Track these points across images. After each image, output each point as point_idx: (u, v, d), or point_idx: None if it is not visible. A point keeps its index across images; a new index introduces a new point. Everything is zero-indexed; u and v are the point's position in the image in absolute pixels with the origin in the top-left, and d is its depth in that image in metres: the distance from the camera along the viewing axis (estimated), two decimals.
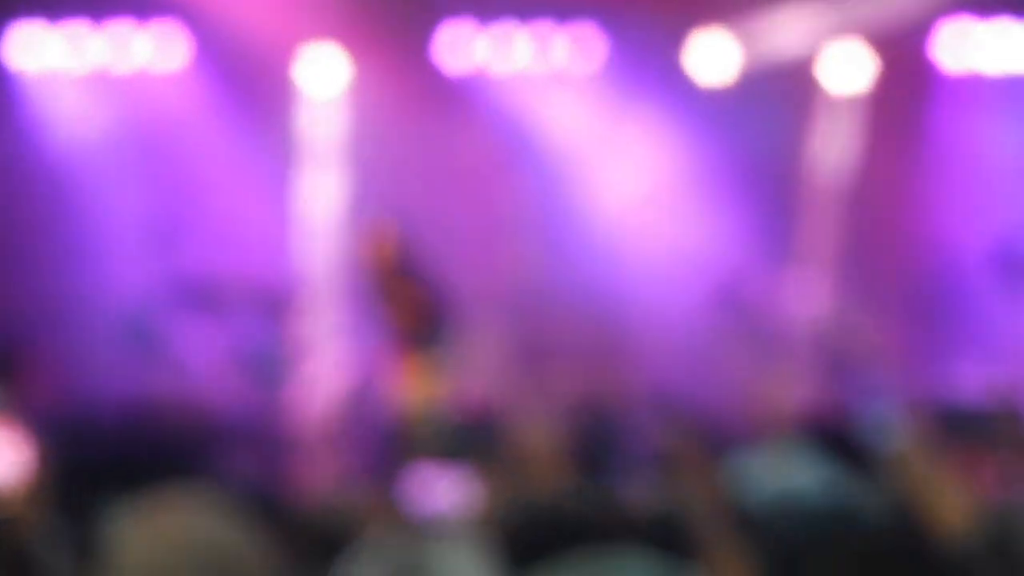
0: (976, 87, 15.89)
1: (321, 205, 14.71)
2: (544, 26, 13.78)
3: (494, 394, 13.98)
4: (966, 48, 15.04)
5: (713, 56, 14.58)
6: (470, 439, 10.40)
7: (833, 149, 16.62)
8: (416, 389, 11.63)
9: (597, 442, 9.96)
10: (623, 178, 15.35)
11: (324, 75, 13.57)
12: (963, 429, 10.19)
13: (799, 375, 14.57)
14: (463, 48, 13.65)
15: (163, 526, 2.15)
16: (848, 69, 15.34)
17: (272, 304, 12.73)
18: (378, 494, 5.52)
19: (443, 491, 4.94)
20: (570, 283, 15.12)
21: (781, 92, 15.86)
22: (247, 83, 14.22)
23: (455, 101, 15.05)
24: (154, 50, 13.14)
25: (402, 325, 11.62)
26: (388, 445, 10.75)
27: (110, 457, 9.85)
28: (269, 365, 13.05)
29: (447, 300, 11.77)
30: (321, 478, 12.14)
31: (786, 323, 15.03)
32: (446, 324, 11.64)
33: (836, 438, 6.35)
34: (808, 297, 15.06)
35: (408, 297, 11.35)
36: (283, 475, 11.93)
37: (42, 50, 13.01)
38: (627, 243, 15.17)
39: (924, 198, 16.19)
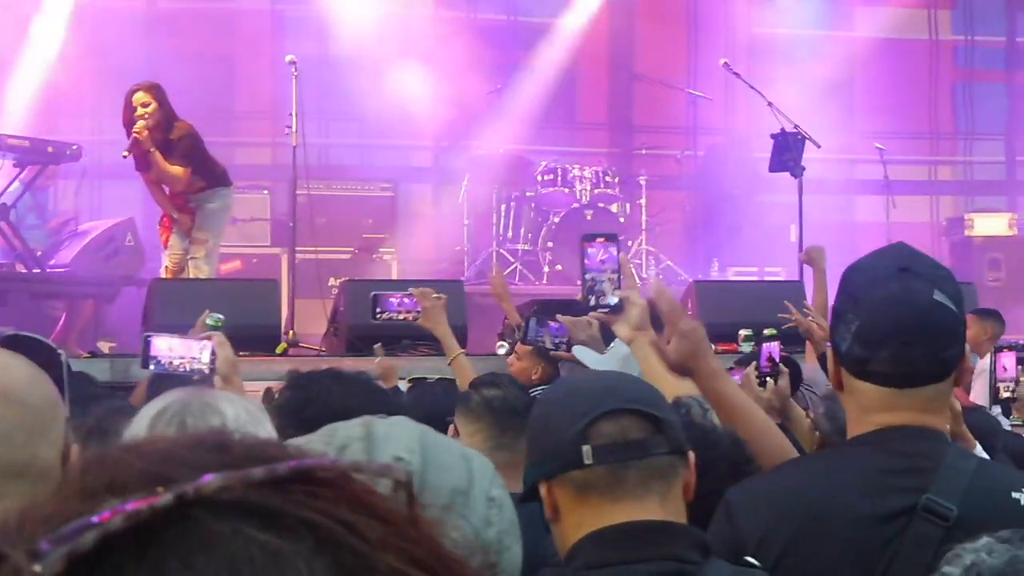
0: None
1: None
2: None
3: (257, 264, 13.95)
4: None
5: None
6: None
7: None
8: (178, 244, 11.52)
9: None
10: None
11: None
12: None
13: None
14: None
15: None
16: None
17: (29, 153, 12.44)
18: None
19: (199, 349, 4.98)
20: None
21: None
22: None
23: None
24: None
25: (167, 184, 11.47)
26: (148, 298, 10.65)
27: None
28: (25, 214, 12.80)
29: (214, 163, 11.62)
30: (82, 323, 12.00)
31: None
32: (214, 185, 11.50)
33: None
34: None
35: (173, 160, 11.19)
36: (47, 320, 11.80)
37: None
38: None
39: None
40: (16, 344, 2.65)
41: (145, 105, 11.09)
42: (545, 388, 6.97)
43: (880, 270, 2.76)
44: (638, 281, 3.68)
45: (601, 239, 3.69)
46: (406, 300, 6.80)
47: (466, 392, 4.79)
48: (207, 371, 4.84)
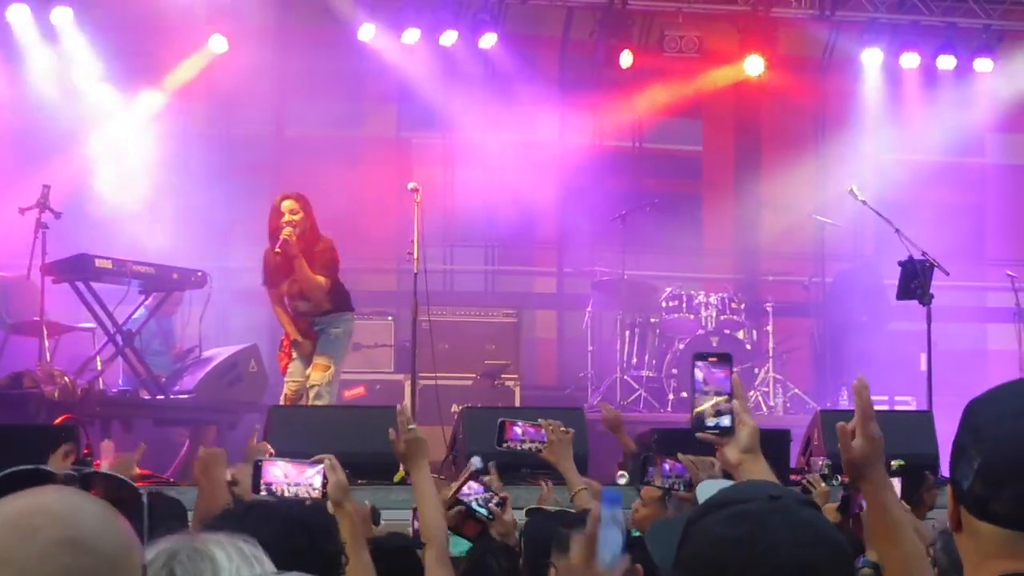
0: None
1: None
2: None
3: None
4: None
5: None
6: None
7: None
8: (297, 371, 11.53)
9: None
10: None
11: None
12: None
13: None
14: None
15: (10, 510, 2.06)
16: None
17: (155, 280, 12.54)
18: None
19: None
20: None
21: None
22: None
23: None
24: None
25: (298, 305, 11.53)
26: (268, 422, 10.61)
27: None
28: (150, 341, 12.89)
29: (342, 287, 11.68)
30: (191, 450, 12.03)
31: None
32: (340, 309, 11.56)
33: None
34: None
35: (316, 270, 11.30)
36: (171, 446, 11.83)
37: None
38: None
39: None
40: (93, 483, 2.57)
41: (294, 212, 11.25)
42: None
43: (1006, 404, 2.60)
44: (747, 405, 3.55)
45: (713, 358, 3.58)
46: (531, 430, 6.70)
47: (562, 534, 4.63)
48: (319, 496, 4.77)
